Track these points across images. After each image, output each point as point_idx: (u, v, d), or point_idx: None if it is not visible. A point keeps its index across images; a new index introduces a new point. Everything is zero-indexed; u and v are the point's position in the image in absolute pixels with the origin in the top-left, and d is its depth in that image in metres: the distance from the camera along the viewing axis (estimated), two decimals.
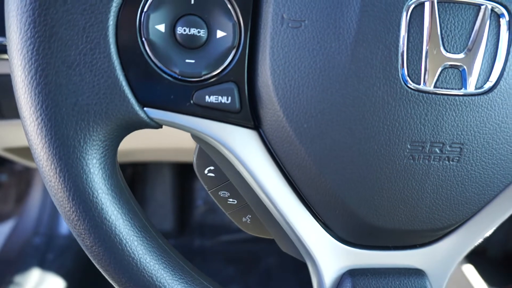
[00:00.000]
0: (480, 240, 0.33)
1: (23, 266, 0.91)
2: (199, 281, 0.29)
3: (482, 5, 0.25)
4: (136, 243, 0.26)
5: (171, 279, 0.27)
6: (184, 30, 0.25)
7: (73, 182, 0.24)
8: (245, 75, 0.26)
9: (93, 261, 0.26)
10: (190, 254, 1.18)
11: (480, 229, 0.32)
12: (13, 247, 0.95)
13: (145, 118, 0.25)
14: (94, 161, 0.25)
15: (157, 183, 1.28)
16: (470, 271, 0.80)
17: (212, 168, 0.33)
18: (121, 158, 1.06)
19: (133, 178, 1.27)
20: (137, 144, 0.77)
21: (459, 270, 0.81)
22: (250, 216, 0.35)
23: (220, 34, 0.25)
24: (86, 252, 0.26)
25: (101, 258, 0.26)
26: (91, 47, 0.23)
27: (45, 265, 0.91)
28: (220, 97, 0.26)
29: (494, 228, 0.33)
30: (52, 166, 0.24)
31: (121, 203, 0.26)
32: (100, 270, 0.26)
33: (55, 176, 0.24)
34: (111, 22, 0.23)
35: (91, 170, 0.25)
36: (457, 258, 0.32)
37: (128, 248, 0.26)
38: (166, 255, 0.28)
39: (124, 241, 0.26)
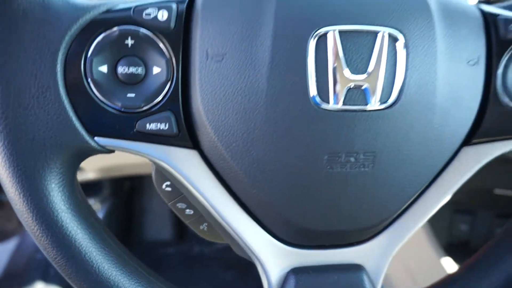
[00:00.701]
0: (411, 234, 0.36)
1: (28, 280, 0.97)
2: (156, 283, 0.33)
3: (379, 31, 0.29)
4: (94, 253, 0.30)
5: (128, 283, 0.31)
6: (124, 70, 0.29)
7: (35, 205, 0.29)
8: (179, 104, 0.30)
9: (59, 271, 0.30)
10: (190, 261, 1.23)
11: (410, 226, 0.35)
12: (18, 262, 1.01)
13: (96, 146, 0.30)
14: (53, 185, 0.29)
15: (154, 195, 1.33)
16: (450, 263, 0.83)
17: (168, 183, 0.37)
18: (118, 172, 1.11)
19: (131, 191, 1.33)
20: (132, 159, 0.81)
21: (439, 263, 0.84)
22: (206, 224, 0.38)
23: (155, 70, 0.30)
24: (52, 263, 0.30)
25: (64, 268, 0.30)
26: (43, 91, 0.27)
27: (48, 279, 0.96)
28: (159, 124, 0.30)
29: (423, 223, 0.36)
30: (17, 192, 0.28)
31: (80, 219, 0.30)
32: (65, 278, 0.31)
33: (20, 201, 0.29)
34: (59, 68, 0.28)
35: (51, 194, 0.29)
36: (392, 252, 0.36)
37: (88, 258, 0.30)
38: (123, 262, 0.32)
39: (84, 252, 0.30)
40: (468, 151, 0.35)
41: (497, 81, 0.33)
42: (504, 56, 0.33)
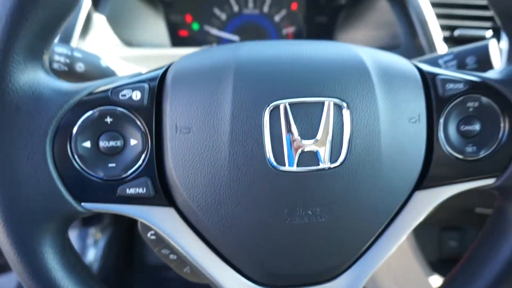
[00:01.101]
0: (375, 269, 0.40)
1: None
2: None
3: (325, 101, 0.33)
4: None
5: None
6: (105, 144, 0.33)
7: (31, 266, 0.33)
8: (155, 170, 0.34)
9: None
10: (190, 285, 1.26)
11: (372, 263, 0.39)
12: None
13: (83, 210, 0.34)
14: (46, 248, 0.33)
15: None
16: (439, 280, 0.86)
17: (153, 232, 0.41)
18: None
19: (132, 218, 1.36)
20: None
21: (428, 280, 0.86)
22: (188, 267, 0.42)
23: (132, 142, 0.34)
24: None
25: None
26: (34, 169, 0.32)
27: None
28: (138, 189, 0.34)
29: (386, 258, 0.40)
30: (14, 255, 0.33)
31: (73, 276, 0.35)
32: None
33: (17, 263, 0.33)
34: (48, 149, 0.32)
35: (45, 255, 0.33)
36: (359, 286, 0.39)
37: None
38: None
39: None
40: (420, 194, 0.38)
41: (439, 135, 0.37)
42: (443, 112, 0.37)
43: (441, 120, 0.37)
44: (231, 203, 0.34)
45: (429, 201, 0.39)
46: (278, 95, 0.33)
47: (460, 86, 0.37)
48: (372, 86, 0.34)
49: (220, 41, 0.86)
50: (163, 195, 0.35)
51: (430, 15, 0.71)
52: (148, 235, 0.42)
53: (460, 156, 0.38)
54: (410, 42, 0.72)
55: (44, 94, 0.32)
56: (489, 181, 0.39)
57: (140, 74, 0.39)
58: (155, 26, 0.80)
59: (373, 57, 0.36)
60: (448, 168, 0.38)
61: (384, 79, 0.35)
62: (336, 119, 0.33)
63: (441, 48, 0.69)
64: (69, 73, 0.47)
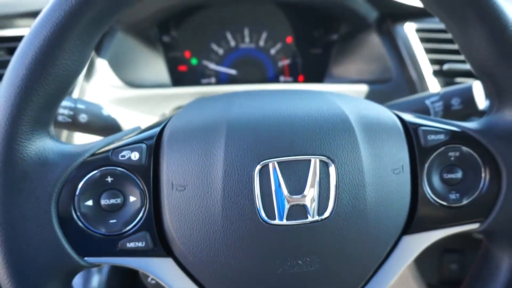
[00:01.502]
0: None
1: None
2: None
3: (311, 159, 0.35)
4: None
5: None
6: (106, 201, 0.36)
7: None
8: (153, 224, 0.36)
9: None
10: None
11: None
12: None
13: (86, 264, 0.36)
14: None
15: None
16: None
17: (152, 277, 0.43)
18: None
19: None
20: None
21: None
22: None
23: (132, 199, 0.36)
24: None
25: None
26: (41, 229, 0.34)
27: None
28: (137, 243, 0.36)
29: None
30: None
31: None
32: None
33: None
34: (53, 210, 0.34)
35: None
36: None
37: None
38: None
39: None
40: (407, 239, 0.40)
41: (423, 183, 0.39)
42: (426, 162, 0.39)
43: (425, 170, 0.39)
44: (226, 255, 0.35)
45: (416, 245, 0.41)
46: (267, 154, 0.35)
47: (441, 136, 0.39)
48: (356, 142, 0.36)
49: (218, 74, 0.89)
50: (161, 247, 0.37)
51: (419, 50, 0.74)
52: (149, 279, 0.44)
53: (444, 203, 0.40)
54: (401, 75, 0.74)
55: (49, 159, 0.34)
56: (474, 226, 0.41)
57: (139, 128, 0.41)
58: (155, 64, 0.83)
59: (357, 112, 0.38)
60: (433, 214, 0.40)
61: (368, 134, 0.37)
62: (323, 174, 0.35)
63: (431, 82, 0.72)
64: (72, 124, 0.50)
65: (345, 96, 0.43)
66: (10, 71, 0.32)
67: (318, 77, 0.89)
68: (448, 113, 0.54)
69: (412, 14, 0.76)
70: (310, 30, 0.89)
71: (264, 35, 0.88)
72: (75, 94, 0.65)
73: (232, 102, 0.40)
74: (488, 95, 0.42)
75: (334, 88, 0.74)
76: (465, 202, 0.40)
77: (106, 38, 0.71)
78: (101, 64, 0.69)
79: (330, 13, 0.83)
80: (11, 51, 0.64)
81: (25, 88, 0.32)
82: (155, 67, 0.83)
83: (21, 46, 0.32)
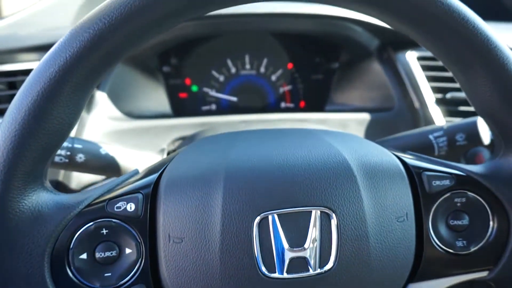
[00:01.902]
0: None
1: None
2: None
3: (312, 211, 0.34)
4: None
5: None
6: (101, 254, 0.35)
7: None
8: (149, 277, 0.35)
9: None
10: None
11: None
12: None
13: None
14: None
15: None
16: None
17: None
18: None
19: None
20: None
21: None
22: None
23: (128, 251, 0.35)
24: None
25: None
26: (34, 285, 0.33)
27: None
28: None
29: None
30: None
31: None
32: None
33: None
34: (46, 265, 0.33)
35: None
36: None
37: None
38: None
39: None
40: (413, 287, 0.39)
41: (429, 231, 0.38)
42: (431, 208, 0.38)
43: (430, 216, 0.38)
44: None
45: None
46: (266, 206, 0.34)
47: (446, 182, 0.38)
48: (358, 191, 0.35)
49: (219, 101, 0.89)
50: None
51: (421, 78, 0.73)
52: None
53: (451, 251, 0.38)
54: (403, 104, 0.73)
55: (43, 213, 0.33)
56: (483, 274, 0.39)
57: (137, 172, 0.40)
58: (155, 92, 0.82)
59: (359, 158, 0.37)
60: (440, 262, 0.38)
61: (370, 181, 0.36)
62: (324, 226, 0.34)
63: (434, 110, 0.71)
64: (70, 164, 0.49)
65: (345, 137, 0.42)
66: (3, 126, 0.32)
67: (319, 103, 0.89)
68: (452, 148, 0.53)
69: (413, 42, 0.76)
70: (311, 57, 0.89)
71: (264, 62, 0.88)
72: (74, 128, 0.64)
73: (230, 147, 0.39)
74: (493, 136, 0.41)
75: (336, 117, 0.73)
76: (472, 249, 0.38)
77: None
78: (101, 97, 0.69)
79: (331, 41, 0.83)
80: (11, 86, 0.64)
81: (18, 144, 0.31)
82: (155, 95, 0.82)
83: (14, 100, 0.32)
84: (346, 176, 0.36)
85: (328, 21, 0.72)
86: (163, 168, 0.39)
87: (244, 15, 0.70)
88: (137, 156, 0.54)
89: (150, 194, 0.36)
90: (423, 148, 0.53)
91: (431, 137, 0.53)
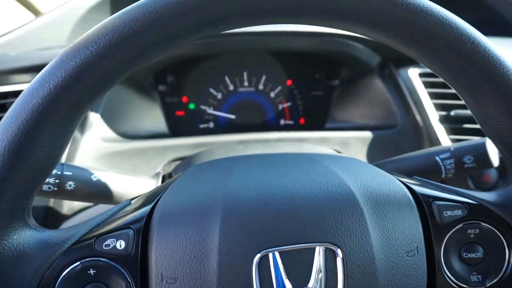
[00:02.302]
0: None
1: None
2: None
3: (316, 247, 0.32)
4: None
5: None
6: None
7: None
8: None
9: None
10: None
11: None
12: None
13: None
14: None
15: None
16: None
17: None
18: None
19: None
20: None
21: None
22: None
23: None
24: None
25: None
26: None
27: None
28: None
29: None
30: None
31: None
32: None
33: None
34: None
35: None
36: None
37: None
38: None
39: None
40: None
41: (441, 265, 0.35)
42: (443, 241, 0.36)
43: (442, 249, 0.35)
44: None
45: None
46: (267, 243, 0.31)
47: (458, 212, 0.36)
48: (365, 224, 0.33)
49: (217, 119, 0.87)
50: None
51: (423, 95, 0.71)
52: None
53: (465, 286, 0.36)
54: (407, 121, 0.71)
55: (26, 253, 0.31)
56: None
57: (129, 203, 0.38)
58: (151, 111, 0.80)
59: (365, 187, 0.35)
60: None
61: (377, 213, 0.34)
62: (329, 263, 0.32)
63: (438, 128, 0.69)
64: (58, 192, 0.47)
65: (349, 163, 0.40)
66: None
67: (319, 120, 0.87)
68: (460, 171, 0.50)
69: None
70: (311, 73, 0.87)
71: (263, 79, 0.86)
72: (66, 151, 0.62)
73: (228, 175, 0.37)
74: (505, 161, 0.39)
75: (337, 135, 0.71)
76: (488, 284, 0.36)
77: None
78: (94, 118, 0.67)
79: (331, 58, 0.81)
80: (1, 108, 0.62)
81: None
82: (151, 114, 0.80)
83: None
84: (352, 208, 0.33)
85: (327, 39, 0.70)
86: (156, 199, 0.36)
87: (241, 34, 0.68)
88: (131, 182, 0.52)
89: (142, 229, 0.34)
90: (430, 170, 0.51)
91: (437, 159, 0.51)
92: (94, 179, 0.49)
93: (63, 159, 0.61)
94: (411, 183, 0.38)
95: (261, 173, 0.38)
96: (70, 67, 0.29)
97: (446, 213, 0.36)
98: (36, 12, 0.91)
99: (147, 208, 0.35)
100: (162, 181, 0.55)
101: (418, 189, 0.37)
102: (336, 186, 0.35)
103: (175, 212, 0.34)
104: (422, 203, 0.36)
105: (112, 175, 0.51)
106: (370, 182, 0.36)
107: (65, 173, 0.47)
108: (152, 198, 0.37)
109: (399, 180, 0.38)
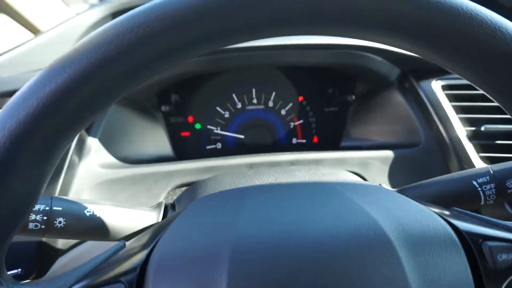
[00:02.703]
0: None
1: None
2: None
3: None
4: None
5: None
6: None
7: None
8: None
9: None
10: None
11: None
12: None
13: None
14: None
15: None
16: None
17: None
18: None
19: None
20: None
21: None
22: None
23: None
24: None
25: None
26: None
27: None
28: None
29: None
30: None
31: None
32: None
33: None
34: None
35: None
36: None
37: None
38: None
39: None
40: None
41: None
42: None
43: None
44: None
45: None
46: None
47: None
48: (403, 274, 0.27)
49: (225, 139, 0.82)
50: None
51: (449, 109, 0.65)
52: None
53: None
54: (431, 138, 0.65)
55: None
56: None
57: (123, 246, 0.32)
58: (154, 133, 0.76)
59: (399, 227, 0.29)
60: None
61: (417, 260, 0.28)
62: None
63: (467, 145, 0.62)
64: (47, 230, 0.41)
65: (375, 194, 0.34)
66: None
67: (334, 138, 0.81)
68: (502, 197, 0.44)
69: (436, 69, 0.68)
70: (323, 89, 0.82)
71: (273, 95, 0.81)
72: (61, 178, 0.57)
73: (237, 213, 0.32)
74: None
75: (355, 156, 0.65)
76: None
77: None
78: (92, 143, 0.62)
79: (345, 72, 0.76)
80: None
81: None
82: (155, 136, 0.75)
83: None
84: (386, 253, 0.27)
85: (341, 52, 0.65)
86: (153, 243, 0.31)
87: (248, 48, 0.63)
88: (129, 216, 0.46)
89: (135, 283, 0.28)
90: (467, 197, 0.44)
91: (475, 184, 0.44)
92: (88, 213, 0.44)
93: (57, 189, 0.56)
94: (452, 217, 0.32)
95: (274, 210, 0.32)
96: (44, 94, 0.24)
97: (500, 257, 0.29)
98: (35, 31, 0.88)
99: (142, 255, 0.30)
100: (164, 213, 0.50)
101: (463, 225, 0.31)
102: (366, 225, 0.29)
103: (174, 260, 0.28)
104: (470, 244, 0.30)
105: (108, 208, 0.46)
106: (405, 219, 0.30)
107: (54, 208, 0.42)
108: (148, 241, 0.32)
109: (438, 214, 0.32)
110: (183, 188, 0.63)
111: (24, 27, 0.87)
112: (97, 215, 0.44)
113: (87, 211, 0.44)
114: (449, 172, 0.63)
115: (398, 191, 0.51)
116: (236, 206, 0.33)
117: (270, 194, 0.36)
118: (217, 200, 0.36)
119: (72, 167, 0.59)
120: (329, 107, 0.82)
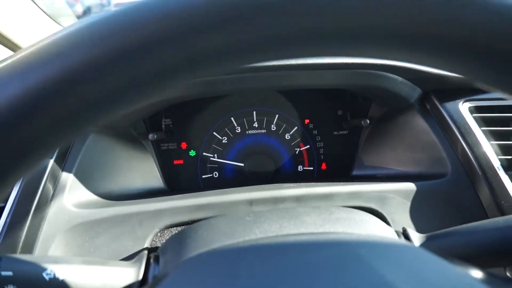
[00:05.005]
0: None
1: None
2: None
3: None
4: None
5: None
6: None
7: None
8: None
9: None
10: None
11: None
12: None
13: None
14: None
15: None
16: None
17: None
18: None
19: None
20: None
21: None
22: None
23: None
24: None
25: None
26: None
27: None
28: None
29: None
30: None
31: None
32: None
33: None
34: None
35: None
36: None
37: None
38: None
39: None
40: None
41: None
42: None
43: None
44: None
45: None
46: None
47: None
48: None
49: (223, 167, 0.73)
50: None
51: (479, 134, 0.57)
52: None
53: None
54: (460, 168, 0.57)
55: None
56: None
57: None
58: (143, 163, 0.67)
59: None
60: None
61: None
62: None
63: (503, 177, 0.54)
64: None
65: (414, 263, 0.26)
66: None
67: (345, 166, 0.72)
68: None
69: (462, 89, 0.60)
70: (332, 110, 0.74)
71: (276, 118, 0.73)
72: (26, 226, 0.48)
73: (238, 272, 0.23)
74: None
75: (371, 189, 0.56)
76: None
77: (73, 145, 0.56)
78: (67, 178, 0.54)
79: (358, 93, 0.68)
80: None
81: None
82: (143, 166, 0.67)
83: None
84: None
85: (357, 72, 0.56)
86: None
87: (248, 70, 0.55)
88: (102, 276, 0.37)
89: None
90: (506, 251, 0.36)
91: None
92: (47, 277, 0.35)
93: (21, 238, 0.47)
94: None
95: (278, 283, 0.23)
96: None
97: None
98: (14, 48, 0.80)
99: None
100: (146, 266, 0.41)
101: None
102: None
103: None
104: None
105: (75, 268, 0.37)
106: None
107: (3, 273, 0.33)
108: None
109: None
110: (173, 229, 0.54)
111: (5, 46, 0.80)
112: (60, 278, 0.35)
113: (47, 274, 0.35)
114: (481, 208, 0.55)
115: (428, 239, 0.42)
116: (229, 276, 0.25)
117: (272, 256, 0.27)
118: (207, 266, 0.28)
119: (41, 208, 0.50)
120: (338, 131, 0.74)
